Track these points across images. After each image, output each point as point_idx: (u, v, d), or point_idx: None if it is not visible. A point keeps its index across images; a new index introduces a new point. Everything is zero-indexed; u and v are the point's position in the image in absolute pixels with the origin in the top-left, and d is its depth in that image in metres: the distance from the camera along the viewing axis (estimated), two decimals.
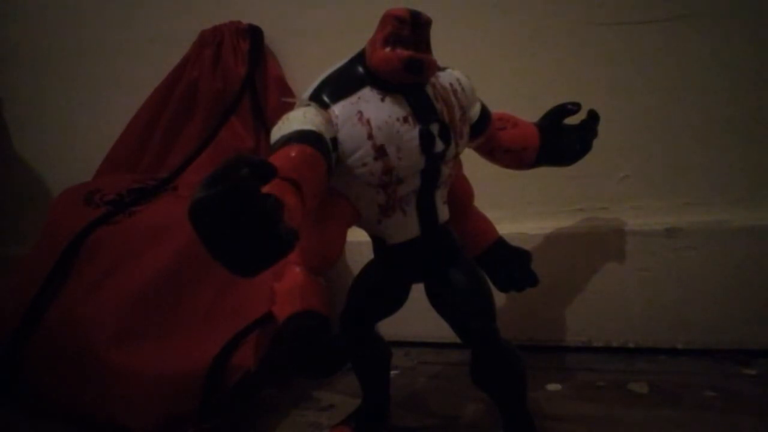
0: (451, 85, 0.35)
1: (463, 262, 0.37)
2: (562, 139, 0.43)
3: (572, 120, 0.45)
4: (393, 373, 0.46)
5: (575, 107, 0.44)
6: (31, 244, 0.57)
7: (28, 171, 0.87)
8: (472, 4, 0.57)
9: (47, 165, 0.86)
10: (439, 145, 0.33)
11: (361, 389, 0.45)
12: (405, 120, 0.32)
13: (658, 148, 0.53)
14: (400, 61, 0.30)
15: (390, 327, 0.42)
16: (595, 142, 0.46)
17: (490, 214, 0.44)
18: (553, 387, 0.49)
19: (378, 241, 0.37)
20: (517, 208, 0.58)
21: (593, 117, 0.44)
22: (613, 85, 0.54)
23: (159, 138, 0.68)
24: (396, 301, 0.40)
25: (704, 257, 0.51)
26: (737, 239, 0.50)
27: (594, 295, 0.55)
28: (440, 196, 0.36)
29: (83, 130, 0.80)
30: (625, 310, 0.54)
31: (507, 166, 0.44)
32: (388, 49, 0.30)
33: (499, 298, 0.40)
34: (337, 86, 0.32)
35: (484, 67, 0.56)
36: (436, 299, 0.37)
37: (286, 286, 0.34)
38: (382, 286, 0.39)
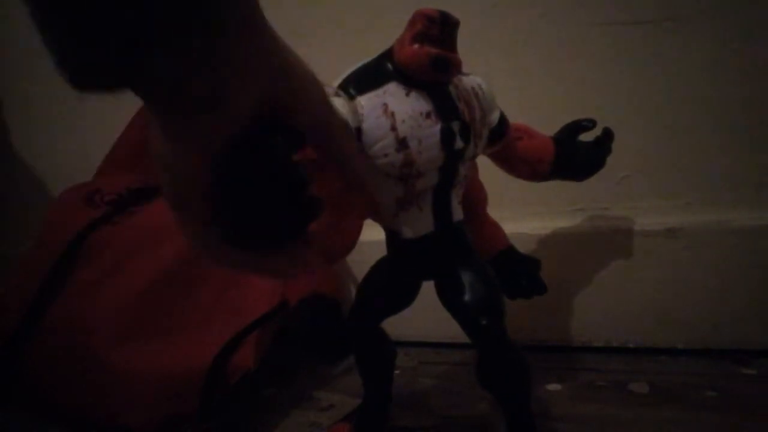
0: (473, 88, 0.36)
1: (474, 261, 0.37)
2: (576, 154, 0.44)
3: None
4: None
5: (590, 124, 0.44)
6: (31, 245, 0.57)
7: (29, 171, 0.87)
8: (472, 4, 0.57)
9: (47, 165, 0.86)
10: (459, 143, 0.33)
11: (363, 387, 0.45)
12: (428, 116, 0.32)
13: (658, 148, 0.53)
14: (428, 57, 0.31)
15: (390, 326, 0.42)
16: None
17: (492, 214, 0.44)
18: (553, 387, 0.49)
19: (392, 235, 0.37)
20: (517, 208, 0.58)
21: (607, 134, 0.45)
22: (612, 85, 0.54)
23: None
24: (405, 298, 0.40)
25: (704, 257, 0.51)
26: (737, 239, 0.50)
27: (594, 295, 0.55)
28: (455, 196, 0.37)
29: (83, 130, 0.80)
30: (625, 310, 0.54)
31: (520, 176, 0.44)
32: (416, 46, 0.31)
33: None
34: (365, 79, 0.33)
35: (483, 67, 0.56)
36: (445, 296, 0.38)
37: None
38: (393, 281, 0.40)
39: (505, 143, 0.40)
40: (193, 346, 0.48)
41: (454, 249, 0.37)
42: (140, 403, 0.46)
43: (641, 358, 0.53)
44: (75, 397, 0.47)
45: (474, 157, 0.37)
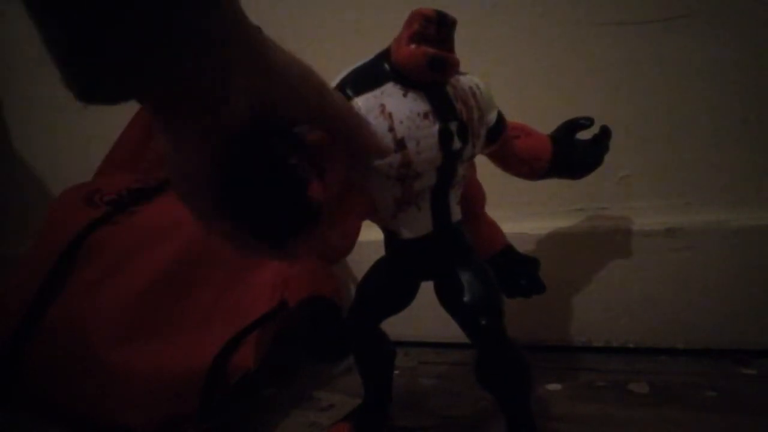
0: (470, 88, 0.36)
1: (473, 261, 0.37)
2: (574, 152, 0.44)
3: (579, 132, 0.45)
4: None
5: (588, 122, 0.44)
6: (31, 245, 0.57)
7: (28, 171, 0.87)
8: (471, 4, 0.57)
9: (47, 165, 0.86)
10: (457, 143, 0.33)
11: (363, 387, 0.45)
12: (425, 116, 0.32)
13: (658, 148, 0.53)
14: (425, 58, 0.31)
15: (390, 326, 0.42)
16: None
17: (491, 214, 0.44)
18: (553, 387, 0.49)
19: (390, 236, 0.37)
20: (517, 208, 0.58)
21: (605, 132, 0.45)
22: (612, 84, 0.54)
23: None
24: (404, 298, 0.41)
25: (704, 257, 0.51)
26: (737, 239, 0.50)
27: (594, 295, 0.55)
28: (454, 196, 0.37)
29: (83, 130, 0.80)
30: (625, 310, 0.54)
31: (518, 174, 0.44)
32: (413, 46, 0.31)
33: None
34: (362, 80, 0.33)
35: (482, 67, 0.56)
36: (445, 296, 0.38)
37: (299, 272, 0.35)
38: (392, 282, 0.40)
39: (503, 142, 0.40)
40: (193, 346, 0.48)
41: (452, 249, 0.37)
42: (140, 403, 0.46)
43: (641, 358, 0.53)
44: (75, 397, 0.47)
45: (472, 157, 0.37)
